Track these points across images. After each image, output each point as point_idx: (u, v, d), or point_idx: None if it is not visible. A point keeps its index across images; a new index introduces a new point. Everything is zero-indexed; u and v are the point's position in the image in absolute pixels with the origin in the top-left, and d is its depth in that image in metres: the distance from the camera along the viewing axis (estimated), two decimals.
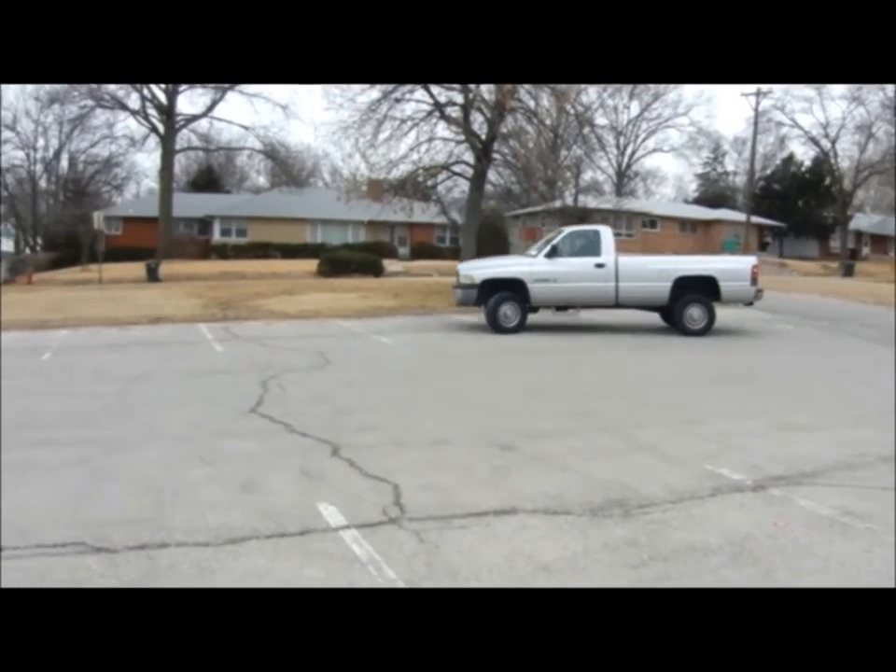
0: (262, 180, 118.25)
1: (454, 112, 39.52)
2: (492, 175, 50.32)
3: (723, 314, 26.29)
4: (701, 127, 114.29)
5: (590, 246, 25.21)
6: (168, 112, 72.29)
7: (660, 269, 25.45)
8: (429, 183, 43.65)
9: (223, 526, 7.89)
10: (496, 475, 9.50)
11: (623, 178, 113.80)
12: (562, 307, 26.48)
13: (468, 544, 7.33)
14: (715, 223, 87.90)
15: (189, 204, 79.60)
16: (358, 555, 7.09)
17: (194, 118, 76.54)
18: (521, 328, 24.53)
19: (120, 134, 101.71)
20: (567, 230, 26.95)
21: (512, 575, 6.63)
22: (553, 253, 24.99)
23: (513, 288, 24.74)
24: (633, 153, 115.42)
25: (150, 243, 69.76)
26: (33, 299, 37.97)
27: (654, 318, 26.75)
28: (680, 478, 9.27)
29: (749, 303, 25.96)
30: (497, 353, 20.45)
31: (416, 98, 38.87)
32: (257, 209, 79.86)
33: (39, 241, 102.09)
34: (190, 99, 78.52)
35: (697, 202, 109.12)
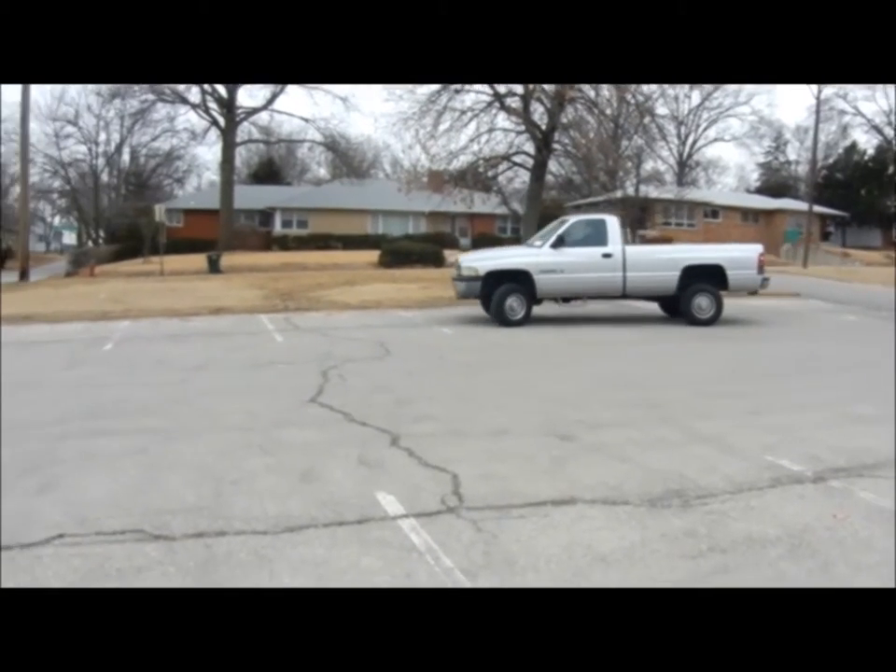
0: (323, 172, 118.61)
1: (513, 102, 39.56)
2: (552, 165, 50.22)
3: (779, 303, 26.10)
4: (762, 116, 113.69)
5: (596, 236, 24.71)
6: (228, 105, 72.63)
7: (667, 258, 25.23)
8: (490, 173, 43.72)
9: (281, 515, 7.92)
10: (555, 465, 9.48)
11: (685, 168, 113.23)
12: (567, 298, 25.68)
13: (526, 534, 7.31)
14: (777, 213, 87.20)
15: (250, 196, 79.95)
16: (416, 545, 7.09)
17: (254, 111, 76.97)
18: (526, 320, 24.09)
19: (181, 128, 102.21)
20: (573, 219, 26.30)
21: (570, 566, 6.60)
22: (559, 243, 24.44)
23: (518, 280, 24.20)
24: (694, 143, 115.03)
25: (211, 234, 70.17)
26: (95, 290, 38.24)
27: (656, 308, 26.92)
28: (740, 469, 9.19)
29: (754, 292, 26.45)
30: (558, 344, 20.39)
31: (476, 89, 38.83)
32: (318, 201, 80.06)
33: (101, 234, 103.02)
34: (250, 92, 78.73)
35: (759, 191, 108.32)
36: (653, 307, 26.92)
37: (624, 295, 25.01)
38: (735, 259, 25.04)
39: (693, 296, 24.30)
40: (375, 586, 6.26)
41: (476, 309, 25.46)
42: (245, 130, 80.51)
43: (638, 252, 25.54)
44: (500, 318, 23.85)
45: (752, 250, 25.70)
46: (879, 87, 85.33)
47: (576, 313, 25.95)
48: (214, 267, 51.64)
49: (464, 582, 6.29)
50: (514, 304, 23.98)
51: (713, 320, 24.12)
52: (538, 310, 25.11)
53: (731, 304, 26.45)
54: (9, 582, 6.48)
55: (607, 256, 24.31)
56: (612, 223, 25.07)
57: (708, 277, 24.42)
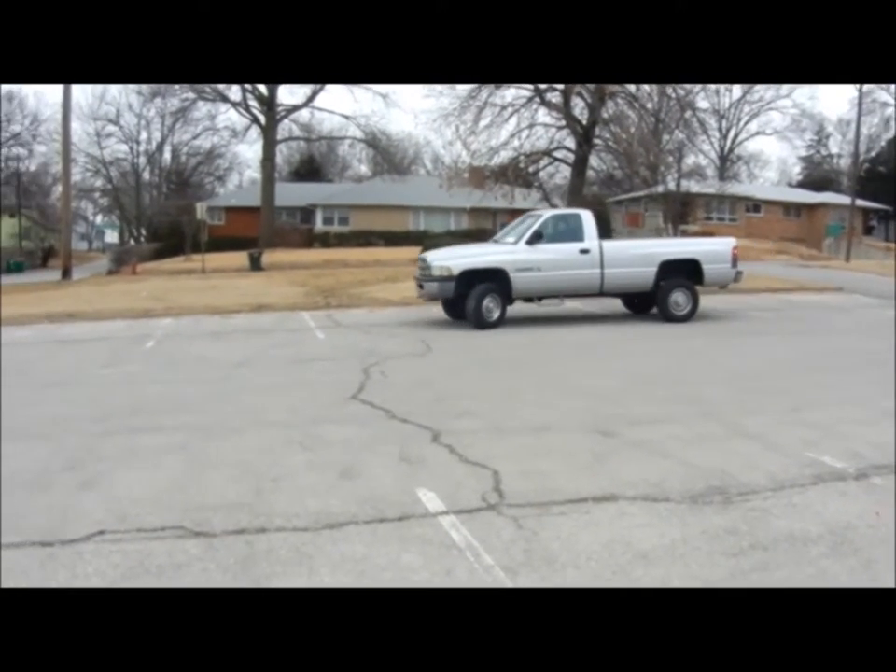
0: (364, 169, 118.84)
1: (554, 98, 39.49)
2: (594, 160, 50.19)
3: (821, 298, 25.93)
4: (804, 109, 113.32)
5: (572, 231, 23.92)
6: (269, 103, 72.80)
7: (644, 253, 24.59)
8: (531, 169, 43.70)
9: (322, 511, 7.94)
10: (596, 461, 9.46)
11: (726, 162, 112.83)
12: (544, 297, 24.49)
13: (566, 531, 7.30)
14: (819, 207, 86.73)
15: (292, 194, 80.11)
16: (456, 541, 7.09)
17: (295, 108, 77.07)
18: (501, 322, 22.99)
19: (222, 126, 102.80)
20: (547, 213, 25.61)
21: (611, 563, 6.59)
22: (535, 239, 23.38)
23: (494, 279, 22.95)
24: (735, 136, 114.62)
25: (253, 232, 70.34)
26: (137, 288, 38.48)
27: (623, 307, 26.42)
28: (782, 465, 9.14)
29: (724, 286, 26.13)
30: (592, 341, 20.34)
31: (516, 84, 38.77)
32: (359, 197, 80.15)
33: (143, 232, 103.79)
34: (291, 89, 78.72)
35: (801, 185, 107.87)
36: (614, 305, 26.78)
37: (602, 292, 24.50)
38: (710, 253, 24.73)
39: (670, 291, 23.97)
40: (415, 583, 6.26)
41: (515, 305, 25.04)
42: (285, 127, 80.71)
43: (615, 247, 24.75)
44: (479, 321, 22.63)
45: (726, 243, 25.51)
46: None
47: (554, 312, 25.48)
48: (255, 264, 51.80)
49: (504, 580, 6.28)
50: (491, 305, 22.90)
51: (689, 316, 23.87)
52: (514, 310, 24.30)
53: (772, 299, 26.32)
54: (51, 579, 6.54)
55: (584, 252, 23.62)
56: (588, 218, 24.35)
57: (684, 272, 24.13)
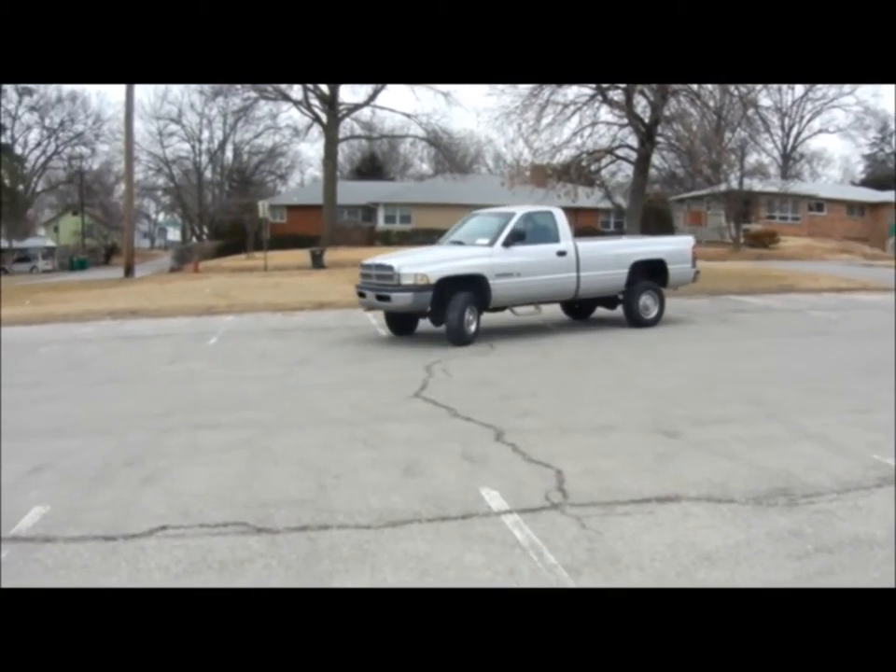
0: (426, 167, 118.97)
1: (616, 95, 39.30)
2: (656, 158, 49.90)
3: (877, 299, 25.68)
4: (868, 106, 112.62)
5: (546, 232, 21.24)
6: (331, 102, 72.86)
7: (617, 254, 22.57)
8: (593, 167, 43.46)
9: (385, 509, 7.98)
10: (659, 462, 9.41)
11: (789, 160, 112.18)
12: (519, 305, 21.74)
13: (630, 531, 7.27)
14: (883, 205, 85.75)
15: (353, 192, 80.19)
16: (520, 540, 7.09)
17: (356, 107, 77.13)
18: (476, 335, 19.79)
19: (284, 125, 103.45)
20: (521, 210, 21.79)
21: (674, 564, 6.55)
22: (512, 240, 20.35)
23: (471, 286, 19.69)
24: (798, 134, 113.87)
25: (315, 230, 70.41)
26: (199, 286, 38.69)
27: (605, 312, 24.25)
28: (847, 468, 9.06)
29: (674, 287, 24.44)
30: (656, 342, 20.21)
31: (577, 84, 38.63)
32: (420, 196, 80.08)
33: (205, 230, 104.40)
34: (352, 88, 78.74)
35: (864, 183, 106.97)
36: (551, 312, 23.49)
37: (576, 298, 22.50)
38: (674, 253, 23.46)
39: (640, 294, 22.42)
40: (478, 582, 6.26)
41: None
42: (347, 126, 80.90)
43: (590, 248, 22.18)
44: (459, 335, 19.33)
45: (686, 242, 24.58)
46: None
47: (528, 321, 22.61)
48: (317, 262, 51.89)
49: (567, 580, 6.26)
50: (470, 317, 19.73)
51: (657, 320, 22.61)
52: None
53: (835, 298, 26.07)
54: (112, 573, 6.58)
55: (561, 254, 21.13)
56: (560, 216, 21.89)
57: (651, 273, 22.63)
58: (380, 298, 19.97)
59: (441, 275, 19.37)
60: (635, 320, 22.31)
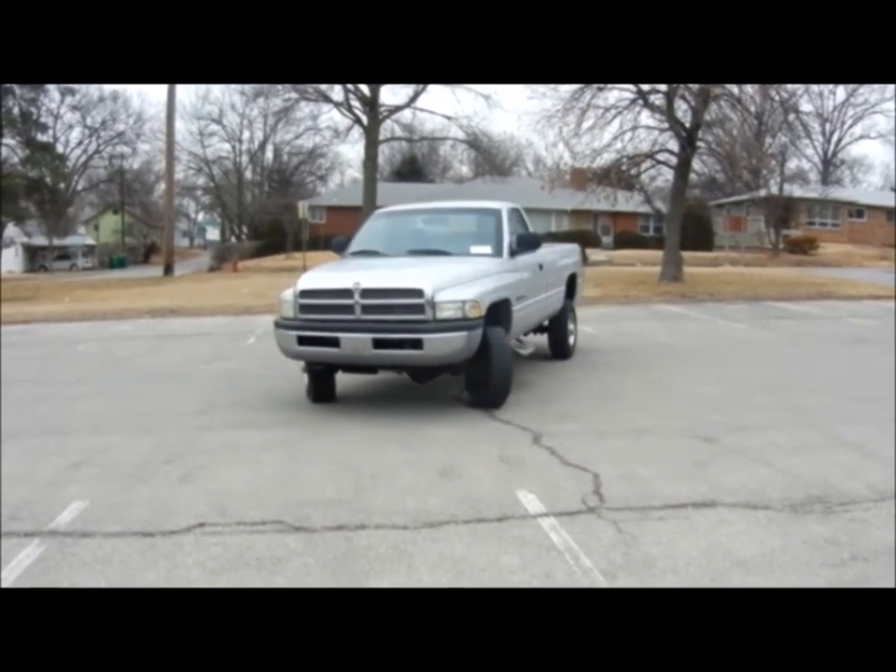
0: (465, 170, 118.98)
1: (657, 100, 39.23)
2: (696, 163, 49.68)
3: None
4: None
5: (527, 237, 15.21)
6: (371, 103, 72.83)
7: (559, 266, 17.82)
8: (633, 172, 43.34)
9: (421, 510, 8.01)
10: (696, 468, 9.40)
11: (829, 166, 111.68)
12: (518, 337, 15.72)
13: (665, 536, 7.27)
14: None
15: (393, 194, 79.98)
16: (556, 543, 7.10)
17: (397, 108, 77.00)
18: None
19: (324, 126, 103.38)
20: (506, 207, 15.77)
21: (710, 570, 6.55)
22: (519, 247, 14.68)
23: (499, 318, 13.14)
24: (839, 140, 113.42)
25: (354, 231, 70.53)
26: (238, 285, 38.88)
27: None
28: (883, 476, 9.02)
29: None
30: (707, 344, 20.14)
31: (619, 86, 38.61)
32: (460, 197, 79.91)
33: (244, 230, 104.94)
34: (393, 90, 78.64)
35: None
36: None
37: (539, 323, 17.11)
38: (576, 263, 19.43)
39: (568, 316, 18.22)
40: (514, 584, 6.28)
41: (618, 308, 24.54)
42: (387, 127, 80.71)
43: (549, 260, 16.82)
44: (505, 391, 12.84)
45: (576, 251, 20.15)
46: None
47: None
48: None
49: (602, 584, 6.28)
50: None
51: (573, 348, 18.33)
52: None
53: (874, 306, 25.93)
54: (150, 570, 6.64)
55: (540, 267, 15.92)
56: (524, 216, 16.79)
57: (566, 287, 18.11)
58: (387, 345, 12.20)
59: (490, 302, 12.75)
60: (562, 351, 17.86)
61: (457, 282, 12.61)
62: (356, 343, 12.18)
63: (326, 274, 14.23)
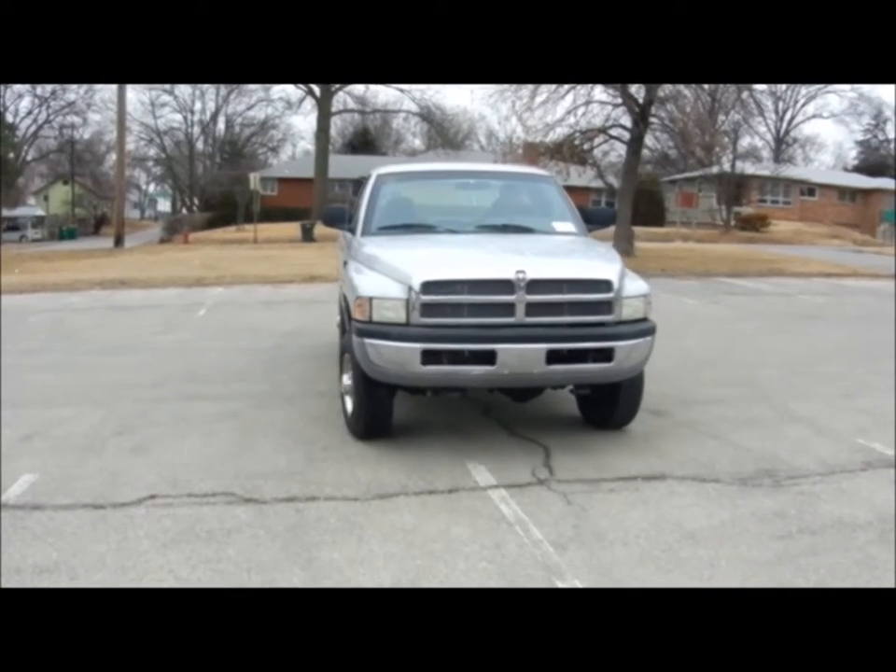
0: (418, 143, 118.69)
1: None
2: (649, 139, 50.03)
3: (866, 285, 25.63)
4: (862, 93, 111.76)
5: (601, 213, 14.39)
6: None
7: None
8: (586, 146, 43.36)
9: (372, 482, 8.03)
10: (646, 441, 9.50)
11: (782, 145, 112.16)
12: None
13: (615, 508, 7.34)
14: (875, 192, 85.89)
15: (345, 166, 79.99)
16: (506, 515, 7.15)
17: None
18: None
19: (277, 97, 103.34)
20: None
21: (659, 541, 6.60)
22: (594, 226, 11.67)
23: None
24: (792, 119, 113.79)
25: (306, 203, 70.29)
26: (189, 257, 38.73)
27: None
28: (832, 451, 9.15)
29: None
30: (657, 318, 20.16)
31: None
32: None
33: (195, 201, 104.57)
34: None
35: (857, 170, 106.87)
36: None
37: None
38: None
39: None
40: (465, 555, 6.30)
41: None
42: (340, 99, 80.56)
43: None
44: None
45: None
46: None
47: None
48: (308, 235, 51.92)
49: (552, 555, 6.31)
50: None
51: None
52: None
53: (825, 283, 26.11)
54: (101, 542, 6.61)
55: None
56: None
57: None
58: (565, 358, 8.71)
59: None
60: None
61: (611, 267, 9.31)
62: (521, 356, 8.54)
63: (450, 259, 9.45)
